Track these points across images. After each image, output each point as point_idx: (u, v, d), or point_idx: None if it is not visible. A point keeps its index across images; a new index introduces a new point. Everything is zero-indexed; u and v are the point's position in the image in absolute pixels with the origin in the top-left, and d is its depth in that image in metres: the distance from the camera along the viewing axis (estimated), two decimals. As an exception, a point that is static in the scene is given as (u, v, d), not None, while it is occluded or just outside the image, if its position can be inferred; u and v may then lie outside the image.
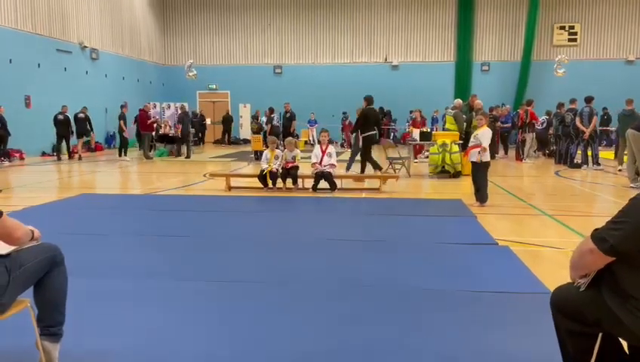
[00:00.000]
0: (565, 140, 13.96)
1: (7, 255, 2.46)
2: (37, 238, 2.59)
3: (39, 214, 7.23)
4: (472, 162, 7.82)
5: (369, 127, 10.79)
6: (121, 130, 16.27)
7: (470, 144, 7.88)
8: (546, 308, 2.46)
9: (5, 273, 2.39)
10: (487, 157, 7.69)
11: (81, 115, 16.70)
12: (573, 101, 13.85)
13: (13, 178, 12.20)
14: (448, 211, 7.44)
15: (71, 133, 16.22)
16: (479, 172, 7.70)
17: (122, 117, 16.20)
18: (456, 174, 11.37)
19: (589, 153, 13.25)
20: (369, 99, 11.24)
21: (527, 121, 15.51)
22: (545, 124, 15.94)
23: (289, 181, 9.43)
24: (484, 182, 7.73)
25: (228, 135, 24.46)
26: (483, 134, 7.67)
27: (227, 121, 24.44)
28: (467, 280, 4.34)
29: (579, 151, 13.66)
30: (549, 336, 2.56)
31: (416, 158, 12.81)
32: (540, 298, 3.64)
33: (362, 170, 11.09)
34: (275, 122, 15.10)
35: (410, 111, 21.30)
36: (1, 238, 2.40)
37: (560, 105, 15.12)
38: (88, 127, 16.64)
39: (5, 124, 14.47)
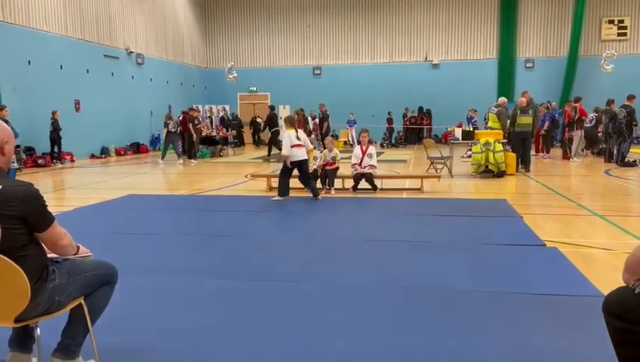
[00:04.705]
0: (617, 138, 13.43)
1: (66, 260, 2.56)
2: (83, 253, 2.64)
3: (89, 214, 7.50)
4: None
5: (274, 125, 17.05)
6: (190, 134, 16.35)
7: None
8: (598, 311, 2.38)
9: (66, 274, 2.50)
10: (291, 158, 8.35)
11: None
12: (630, 98, 13.26)
13: (65, 179, 12.71)
14: (493, 211, 7.28)
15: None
16: (283, 170, 8.52)
17: (192, 120, 16.41)
18: (500, 174, 11.12)
19: None
20: (271, 107, 18.10)
21: (576, 118, 14.99)
22: (594, 122, 15.37)
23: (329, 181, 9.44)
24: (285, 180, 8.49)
25: (257, 137, 24.64)
26: (282, 138, 8.71)
27: (255, 123, 24.62)
28: (515, 281, 4.23)
29: (631, 150, 13.13)
30: (602, 340, 2.47)
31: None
32: (591, 301, 3.52)
33: (269, 153, 16.99)
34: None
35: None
36: (47, 244, 2.44)
37: (610, 102, 14.54)
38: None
39: (57, 128, 15.12)
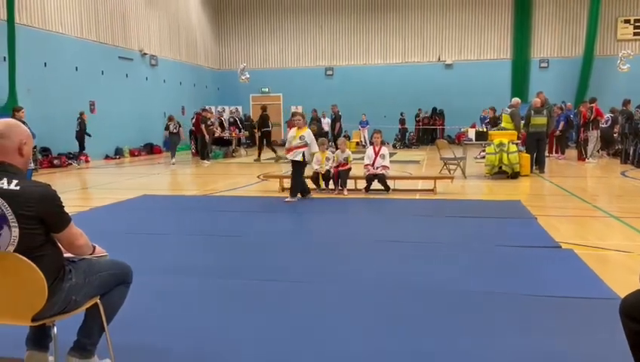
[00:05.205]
0: (633, 139, 13.25)
1: (82, 260, 2.59)
2: (99, 253, 2.67)
3: (104, 214, 7.58)
4: (293, 161, 8.46)
5: (265, 125, 17.24)
6: (203, 135, 16.45)
7: (295, 144, 8.44)
8: (615, 313, 2.36)
9: (82, 274, 2.53)
10: (299, 156, 8.34)
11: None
12: None
13: (80, 180, 12.85)
14: (507, 213, 7.22)
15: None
16: (300, 170, 8.47)
17: (204, 121, 16.52)
18: (514, 175, 11.02)
19: None
20: (264, 107, 18.00)
21: (592, 118, 14.81)
22: (609, 122, 15.17)
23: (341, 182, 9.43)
24: (301, 179, 8.52)
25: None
26: (308, 135, 8.47)
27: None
28: (529, 283, 4.19)
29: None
30: (618, 343, 2.44)
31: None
32: (608, 303, 3.48)
33: (259, 154, 17.12)
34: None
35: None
36: (63, 245, 2.47)
37: (626, 102, 14.36)
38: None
39: (84, 129, 15.40)
